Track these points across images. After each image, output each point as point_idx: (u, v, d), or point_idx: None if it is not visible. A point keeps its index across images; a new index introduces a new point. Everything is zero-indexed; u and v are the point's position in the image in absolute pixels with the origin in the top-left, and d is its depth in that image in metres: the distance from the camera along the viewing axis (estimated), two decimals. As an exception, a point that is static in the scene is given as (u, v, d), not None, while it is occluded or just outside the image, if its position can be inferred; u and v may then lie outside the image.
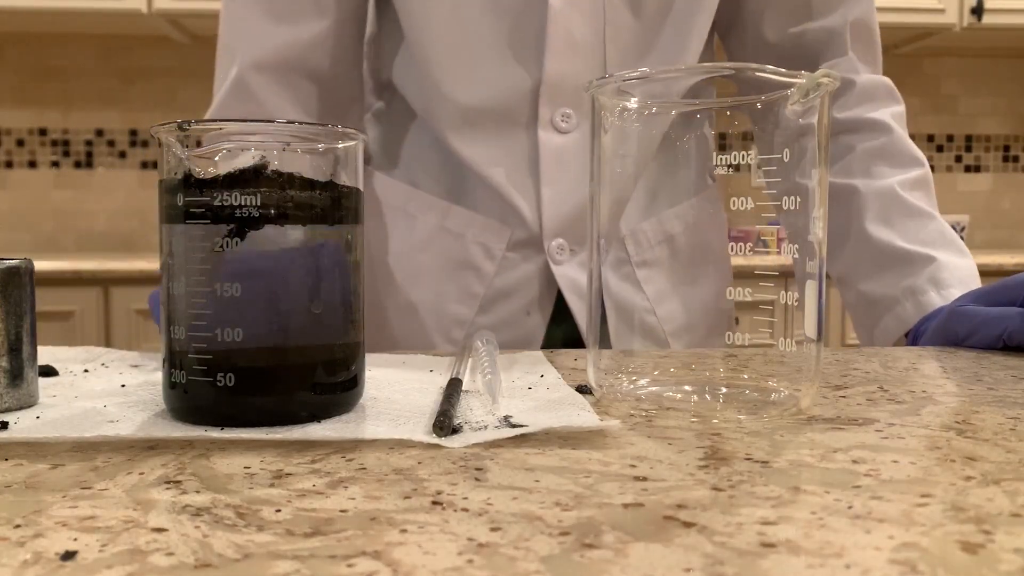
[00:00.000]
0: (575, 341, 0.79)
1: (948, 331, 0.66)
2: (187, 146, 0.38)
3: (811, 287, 0.41)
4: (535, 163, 0.75)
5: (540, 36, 0.73)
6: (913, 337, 0.72)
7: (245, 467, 0.32)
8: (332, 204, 0.39)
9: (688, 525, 0.26)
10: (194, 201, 0.37)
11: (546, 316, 0.79)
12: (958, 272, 0.73)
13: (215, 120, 0.38)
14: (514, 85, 0.74)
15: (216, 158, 0.38)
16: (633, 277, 0.74)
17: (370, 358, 0.54)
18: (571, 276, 0.78)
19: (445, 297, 0.80)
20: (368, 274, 0.81)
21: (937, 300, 0.71)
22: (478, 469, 0.32)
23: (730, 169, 0.41)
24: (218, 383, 0.37)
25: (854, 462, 0.33)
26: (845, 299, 0.81)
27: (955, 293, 0.70)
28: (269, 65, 0.76)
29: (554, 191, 0.76)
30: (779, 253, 0.41)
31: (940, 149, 2.87)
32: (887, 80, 0.83)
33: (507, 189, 0.76)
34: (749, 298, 0.42)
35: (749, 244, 0.42)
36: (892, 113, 0.81)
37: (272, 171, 0.37)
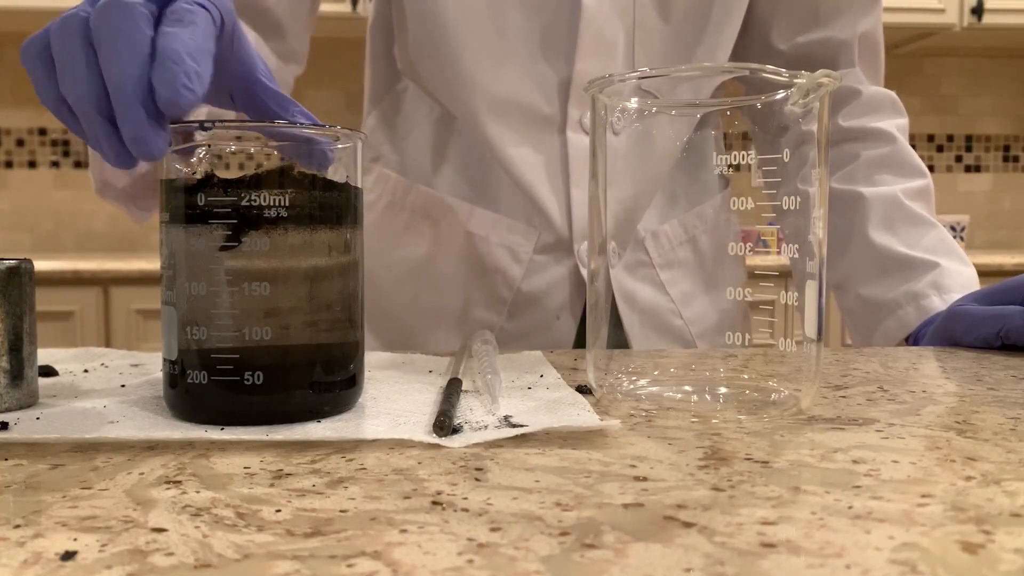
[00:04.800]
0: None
1: (947, 330, 0.66)
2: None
3: (811, 287, 0.41)
4: (565, 164, 0.74)
5: (572, 34, 0.72)
6: (914, 341, 0.72)
7: (245, 467, 0.32)
8: (332, 204, 0.39)
9: (688, 525, 0.26)
10: (194, 201, 0.37)
11: (576, 321, 0.77)
12: (960, 278, 0.73)
13: (212, 120, 0.38)
14: (545, 81, 0.73)
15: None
16: (656, 279, 0.74)
17: (370, 358, 0.54)
18: None
19: (471, 303, 0.78)
20: (390, 280, 0.79)
21: (939, 304, 0.71)
22: (478, 469, 0.32)
23: (730, 169, 0.41)
24: (218, 383, 0.37)
25: (854, 462, 0.33)
26: (843, 304, 0.80)
27: (957, 298, 0.70)
28: None
29: (584, 193, 0.74)
30: (779, 253, 0.42)
31: (940, 149, 2.87)
32: (892, 93, 0.83)
33: (536, 189, 0.74)
34: (749, 298, 0.42)
35: (749, 244, 0.43)
36: (896, 125, 0.82)
37: (272, 171, 0.37)
